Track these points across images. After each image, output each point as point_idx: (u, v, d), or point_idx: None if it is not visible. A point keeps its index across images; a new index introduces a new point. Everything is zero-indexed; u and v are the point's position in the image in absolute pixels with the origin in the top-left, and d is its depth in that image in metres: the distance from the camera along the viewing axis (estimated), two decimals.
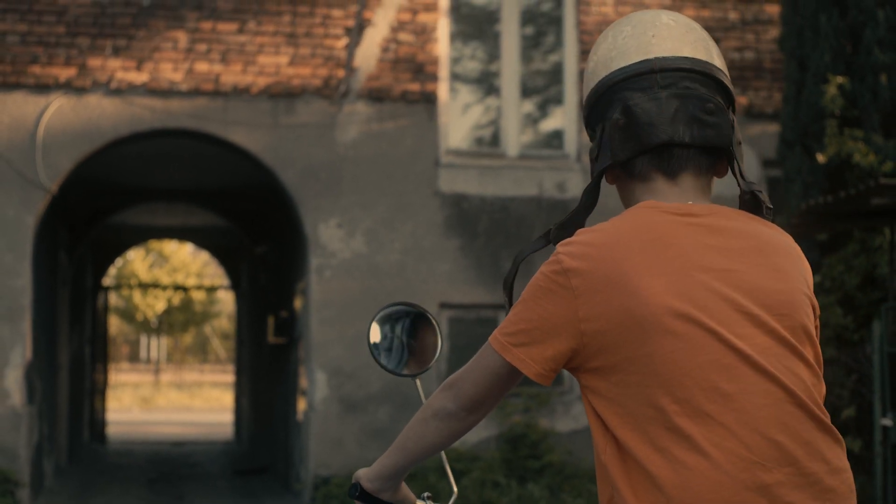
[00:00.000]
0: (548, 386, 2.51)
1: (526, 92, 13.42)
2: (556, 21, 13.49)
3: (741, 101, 13.33)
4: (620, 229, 2.35)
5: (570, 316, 2.31)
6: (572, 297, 2.31)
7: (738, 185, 2.46)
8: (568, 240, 2.38)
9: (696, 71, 2.43)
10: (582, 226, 2.50)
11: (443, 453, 2.75)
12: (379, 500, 2.61)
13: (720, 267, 2.32)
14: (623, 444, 2.30)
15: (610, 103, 2.45)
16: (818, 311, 2.45)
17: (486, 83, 13.51)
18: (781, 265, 2.37)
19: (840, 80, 11.06)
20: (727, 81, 2.47)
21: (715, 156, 2.46)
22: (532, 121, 13.51)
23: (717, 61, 2.48)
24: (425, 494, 2.72)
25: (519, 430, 12.53)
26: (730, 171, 2.51)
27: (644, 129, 2.40)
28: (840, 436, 2.34)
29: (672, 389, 2.26)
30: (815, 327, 2.43)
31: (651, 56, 2.43)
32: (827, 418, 2.32)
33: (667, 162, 2.42)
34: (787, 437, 2.26)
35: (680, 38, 2.46)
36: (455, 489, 2.82)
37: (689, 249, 2.32)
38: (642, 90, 2.42)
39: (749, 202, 2.47)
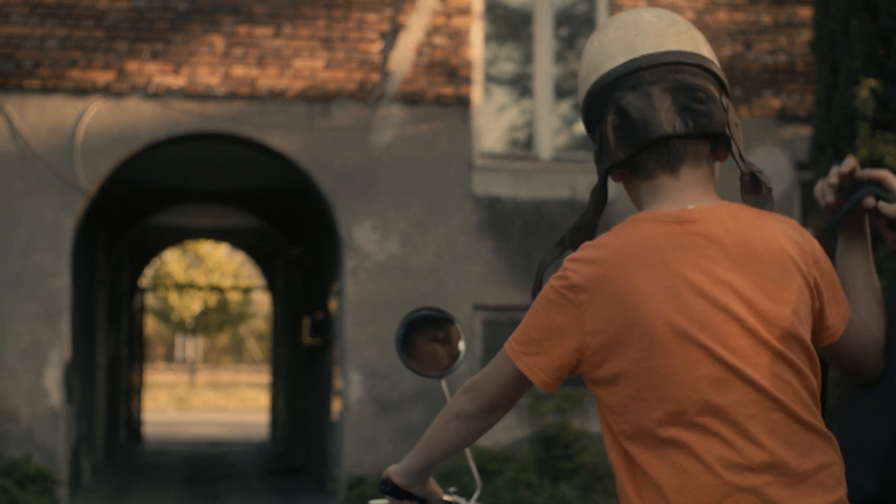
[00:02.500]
0: (552, 392, 2.64)
1: (560, 94, 13.48)
2: (589, 23, 13.55)
3: (774, 103, 13.36)
4: (621, 244, 2.45)
5: (575, 329, 2.43)
6: (578, 312, 2.42)
7: (738, 167, 2.53)
8: (574, 255, 2.48)
9: (682, 63, 2.50)
10: (594, 226, 2.60)
11: (467, 450, 2.87)
12: (408, 495, 2.73)
13: (715, 279, 2.40)
14: (627, 449, 2.43)
15: (604, 106, 2.52)
16: (823, 288, 2.50)
17: (521, 85, 13.58)
18: (778, 269, 2.44)
19: (872, 82, 11.08)
20: (715, 68, 2.54)
21: (712, 142, 2.53)
22: (566, 123, 13.58)
23: (704, 50, 2.55)
24: (452, 489, 2.82)
25: (552, 430, 12.58)
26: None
27: (639, 126, 2.46)
28: (828, 432, 2.45)
29: (666, 403, 2.38)
30: (821, 302, 2.50)
31: (637, 55, 2.50)
32: (814, 418, 2.43)
33: (666, 155, 2.49)
34: (775, 441, 2.37)
35: (663, 33, 2.53)
36: (479, 484, 2.93)
37: (686, 264, 2.41)
38: (632, 89, 2.49)
39: (749, 183, 2.54)
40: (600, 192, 2.59)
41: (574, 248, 2.55)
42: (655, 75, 2.49)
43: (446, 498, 2.79)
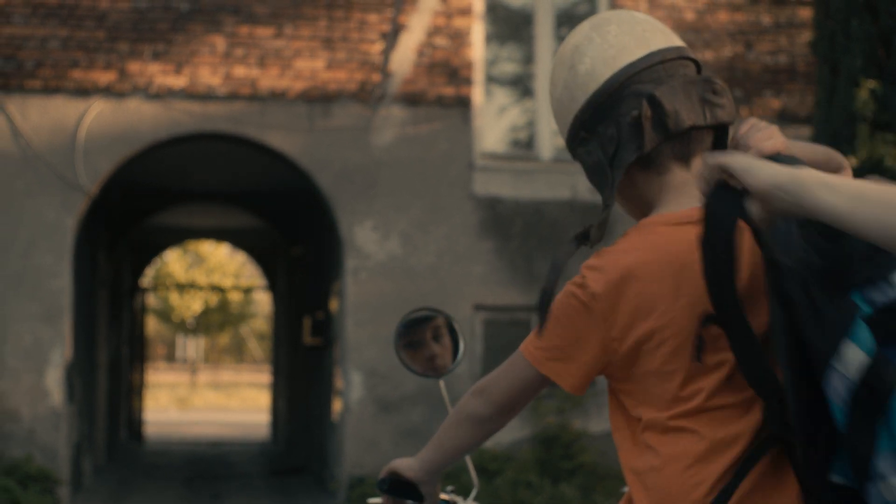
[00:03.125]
0: (582, 395, 2.68)
1: None
2: None
3: (774, 104, 13.39)
4: (640, 250, 2.47)
5: (600, 336, 2.46)
6: (601, 320, 2.45)
7: None
8: (591, 262, 2.49)
9: (686, 58, 2.55)
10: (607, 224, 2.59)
11: None
12: (406, 494, 2.75)
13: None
14: (636, 431, 2.49)
15: (620, 99, 2.50)
16: None
17: (522, 85, 13.62)
18: None
19: (872, 83, 11.10)
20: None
21: (716, 135, 2.58)
22: None
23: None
24: (449, 488, 2.85)
25: (552, 431, 12.62)
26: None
27: (671, 118, 2.46)
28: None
29: (684, 402, 2.42)
30: None
31: (653, 49, 2.51)
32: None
33: (686, 146, 2.51)
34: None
35: (663, 30, 2.56)
36: (476, 483, 2.96)
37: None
38: (655, 81, 2.49)
39: None
40: (613, 187, 2.55)
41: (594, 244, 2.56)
42: (671, 69, 2.51)
43: (443, 496, 2.82)
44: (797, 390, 2.26)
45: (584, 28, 2.60)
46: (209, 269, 45.28)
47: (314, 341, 15.85)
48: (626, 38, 2.54)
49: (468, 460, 2.99)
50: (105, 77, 12.53)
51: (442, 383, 3.04)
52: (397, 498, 2.77)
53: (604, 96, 2.52)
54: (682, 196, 2.51)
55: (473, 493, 2.95)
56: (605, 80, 2.51)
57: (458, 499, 2.84)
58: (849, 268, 2.25)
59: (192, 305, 46.72)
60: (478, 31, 13.22)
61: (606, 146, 2.51)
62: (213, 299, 46.72)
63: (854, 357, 2.18)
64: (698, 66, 2.57)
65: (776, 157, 2.34)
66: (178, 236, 25.89)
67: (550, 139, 13.31)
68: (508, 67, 13.66)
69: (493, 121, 13.39)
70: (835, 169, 2.52)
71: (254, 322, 54.23)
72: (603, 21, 2.59)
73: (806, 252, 2.28)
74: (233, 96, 12.72)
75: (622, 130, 2.49)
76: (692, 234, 2.43)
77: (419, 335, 3.05)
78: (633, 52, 2.52)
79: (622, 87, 2.50)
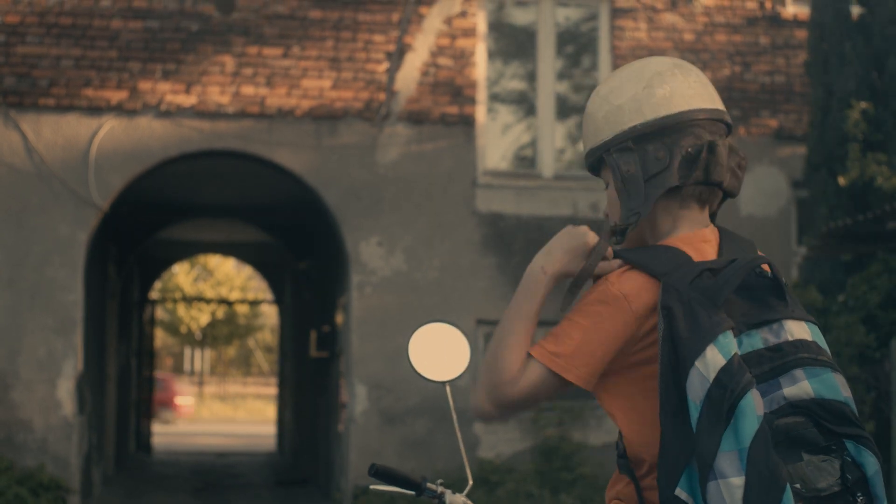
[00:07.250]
0: None
1: (563, 112, 13.71)
2: (592, 42, 13.79)
3: (771, 123, 13.59)
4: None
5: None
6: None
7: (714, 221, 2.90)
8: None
9: (727, 123, 2.85)
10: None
11: (462, 449, 3.15)
12: (392, 479, 3.03)
13: None
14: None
15: (682, 133, 2.78)
16: None
17: (525, 104, 13.80)
18: None
19: (863, 105, 11.33)
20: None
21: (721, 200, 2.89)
22: (572, 141, 13.78)
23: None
24: (439, 481, 3.10)
25: (553, 442, 12.79)
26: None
27: (716, 169, 2.76)
28: None
29: None
30: None
31: (718, 107, 2.83)
32: None
33: (709, 194, 2.81)
34: None
35: (717, 95, 2.88)
36: (470, 480, 3.20)
37: None
38: (711, 132, 2.80)
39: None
40: (651, 200, 2.79)
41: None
42: (720, 129, 2.82)
43: (430, 486, 3.06)
44: (666, 397, 2.52)
45: (666, 61, 2.87)
46: (216, 282, 45.42)
47: (320, 354, 16.03)
48: (701, 88, 2.83)
49: (465, 459, 3.22)
50: (117, 95, 12.77)
51: (448, 388, 3.28)
52: (385, 483, 3.04)
53: (671, 123, 2.78)
54: (693, 226, 2.80)
55: (466, 490, 3.18)
56: (679, 112, 2.78)
57: (447, 491, 3.08)
58: (722, 290, 2.55)
59: (200, 318, 46.85)
60: (481, 51, 13.45)
61: (649, 164, 2.77)
62: (221, 312, 46.85)
63: (713, 359, 2.47)
64: (729, 128, 2.86)
65: None
66: (187, 250, 26.06)
67: (552, 157, 13.51)
68: (511, 86, 13.85)
69: (496, 139, 13.60)
70: None
71: (260, 335, 54.32)
72: (686, 66, 2.88)
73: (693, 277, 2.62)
74: (241, 114, 12.94)
75: (674, 157, 2.76)
76: (709, 250, 2.77)
77: (430, 344, 3.28)
78: (705, 101, 2.81)
79: (688, 124, 2.78)
